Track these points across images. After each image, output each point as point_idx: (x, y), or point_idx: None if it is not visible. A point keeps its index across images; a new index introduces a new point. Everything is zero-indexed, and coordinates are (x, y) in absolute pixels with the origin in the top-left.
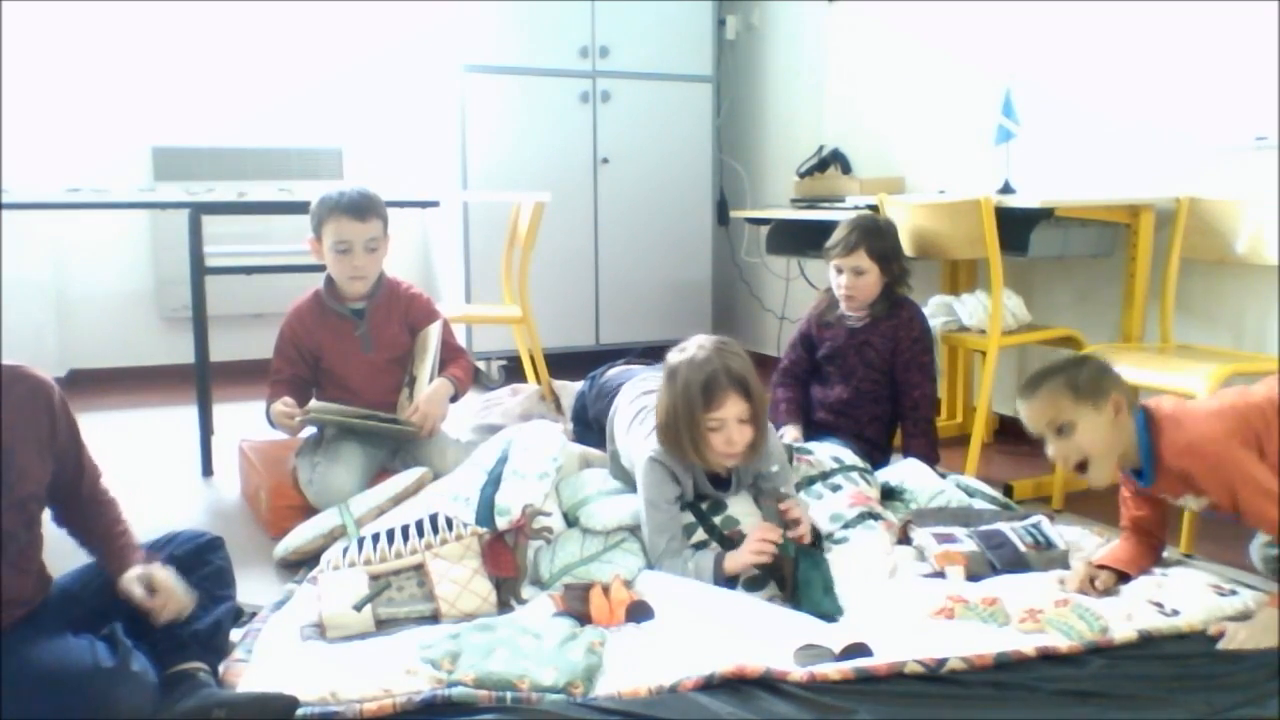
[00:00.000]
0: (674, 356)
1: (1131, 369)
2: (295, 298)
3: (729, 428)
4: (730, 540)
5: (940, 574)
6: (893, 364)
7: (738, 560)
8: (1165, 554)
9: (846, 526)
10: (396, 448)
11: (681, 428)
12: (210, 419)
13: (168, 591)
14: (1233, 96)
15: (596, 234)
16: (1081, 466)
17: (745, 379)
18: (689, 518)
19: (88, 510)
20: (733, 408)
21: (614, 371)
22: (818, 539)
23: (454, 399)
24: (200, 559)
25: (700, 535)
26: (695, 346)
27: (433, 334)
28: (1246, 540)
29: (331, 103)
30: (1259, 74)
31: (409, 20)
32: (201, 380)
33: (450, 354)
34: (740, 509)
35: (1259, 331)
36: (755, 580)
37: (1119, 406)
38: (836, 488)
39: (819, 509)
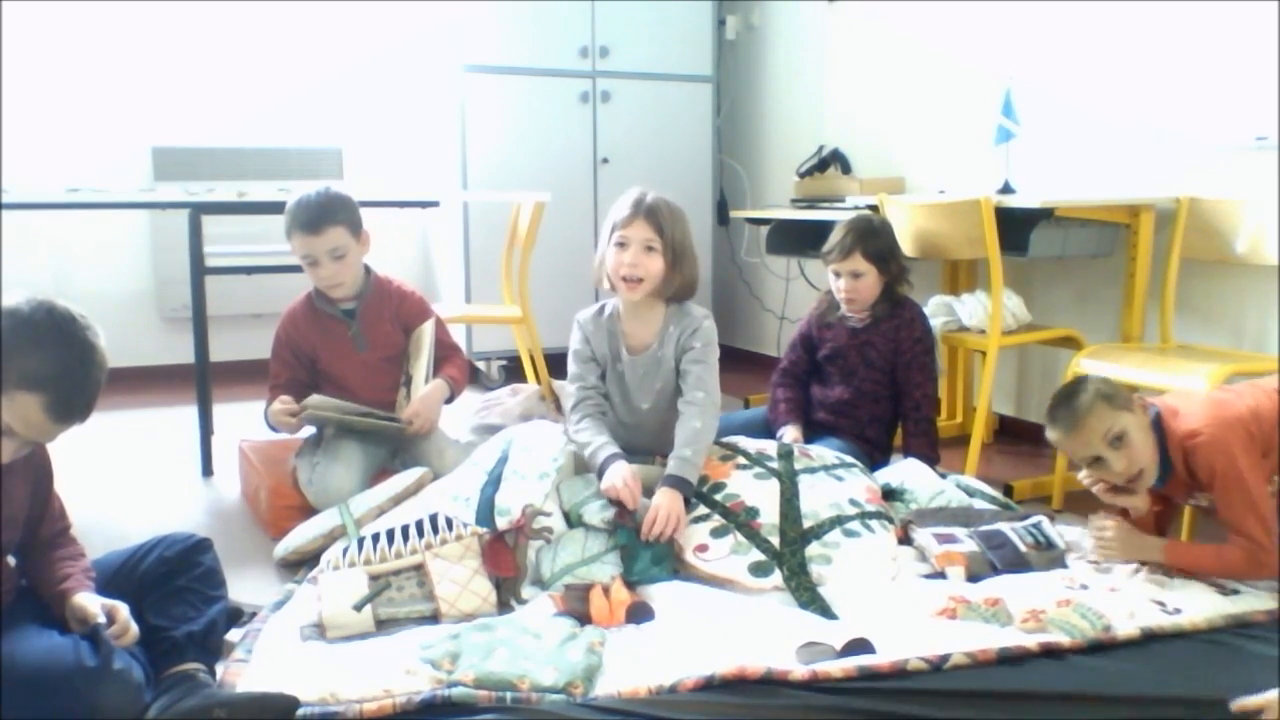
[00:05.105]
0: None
1: (1132, 369)
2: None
3: (631, 248)
4: (733, 513)
5: (941, 574)
6: (894, 364)
7: (605, 482)
8: None
9: (861, 519)
10: (396, 448)
11: (605, 242)
12: (210, 419)
13: (94, 612)
14: (1233, 96)
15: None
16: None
17: (660, 215)
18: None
19: (42, 556)
20: (638, 230)
21: None
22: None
23: (449, 400)
24: (189, 560)
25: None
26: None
27: (426, 332)
28: None
29: (331, 103)
30: (1259, 74)
31: (409, 20)
32: (201, 380)
33: (445, 352)
34: (739, 484)
35: (1259, 331)
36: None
37: (1142, 404)
38: (839, 479)
39: (837, 491)
